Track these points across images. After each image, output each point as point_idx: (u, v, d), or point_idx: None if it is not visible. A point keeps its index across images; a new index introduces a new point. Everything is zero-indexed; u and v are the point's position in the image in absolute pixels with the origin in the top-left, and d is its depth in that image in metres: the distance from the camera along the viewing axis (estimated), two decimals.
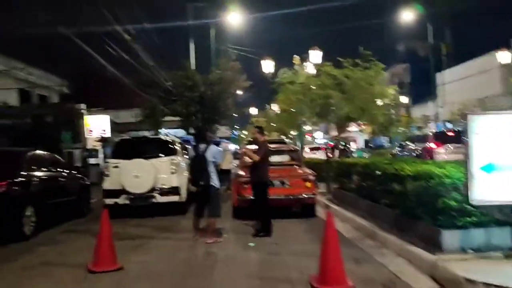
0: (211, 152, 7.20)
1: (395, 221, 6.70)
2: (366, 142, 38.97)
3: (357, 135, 41.45)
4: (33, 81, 28.05)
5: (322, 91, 11.77)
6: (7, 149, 10.76)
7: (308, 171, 9.50)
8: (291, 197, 8.88)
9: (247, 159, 9.02)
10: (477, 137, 4.68)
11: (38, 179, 8.38)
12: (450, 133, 18.02)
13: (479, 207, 4.90)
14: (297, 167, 9.77)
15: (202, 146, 7.28)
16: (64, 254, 6.75)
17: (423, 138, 19.62)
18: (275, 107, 25.92)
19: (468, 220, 5.14)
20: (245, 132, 50.92)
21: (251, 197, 8.19)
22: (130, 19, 17.08)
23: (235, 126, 47.05)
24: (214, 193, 7.16)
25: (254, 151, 7.53)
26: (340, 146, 17.40)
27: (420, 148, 19.23)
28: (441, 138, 17.61)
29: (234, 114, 28.35)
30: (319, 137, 52.49)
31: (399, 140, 26.32)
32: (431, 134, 19.44)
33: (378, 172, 7.69)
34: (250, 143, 9.26)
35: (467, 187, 4.67)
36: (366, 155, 26.27)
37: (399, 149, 23.73)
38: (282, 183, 8.88)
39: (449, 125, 31.11)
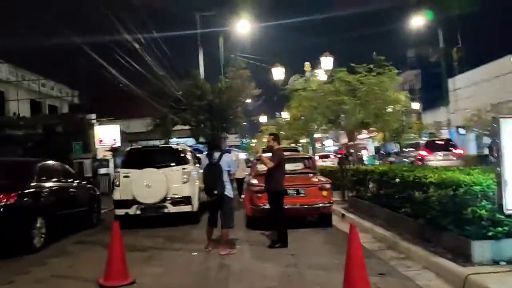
0: (225, 160, 6.98)
1: (417, 231, 6.40)
2: (377, 149, 38.61)
3: (368, 143, 41.06)
4: (44, 92, 28.21)
5: (337, 97, 11.53)
6: (17, 159, 10.67)
7: (324, 179, 9.22)
8: (307, 206, 8.59)
9: (261, 167, 8.80)
10: (509, 142, 4.39)
11: (48, 190, 8.22)
12: (440, 142, 19.71)
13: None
14: (312, 175, 9.50)
15: (216, 154, 7.04)
16: (75, 266, 6.55)
17: (417, 146, 20.96)
18: (285, 115, 25.76)
19: (500, 230, 4.83)
20: (255, 141, 50.76)
21: (266, 207, 7.94)
22: (141, 30, 17.10)
23: (245, 135, 46.91)
24: (228, 203, 6.93)
25: (269, 159, 7.28)
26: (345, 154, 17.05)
27: (413, 155, 20.55)
28: (431, 146, 19.00)
29: (243, 123, 28.22)
30: (329, 145, 52.18)
31: (397, 148, 27.20)
32: (423, 142, 20.73)
33: (397, 180, 7.40)
34: (265, 151, 9.01)
35: (500, 195, 4.38)
36: (377, 162, 26.16)
37: (395, 156, 25.24)
38: (298, 191, 8.60)
39: (462, 131, 30.64)
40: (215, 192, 6.80)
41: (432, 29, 32.03)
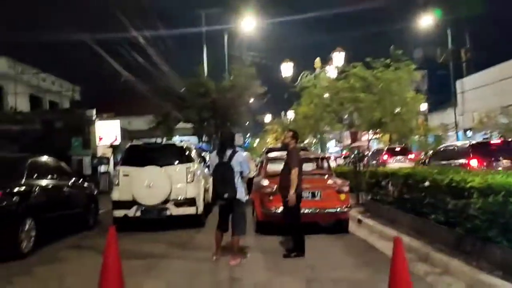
0: (237, 160, 6.16)
1: (453, 241, 5.66)
2: None
3: (372, 144, 40.16)
4: (44, 87, 27.57)
5: (352, 94, 10.77)
6: (5, 155, 9.91)
7: (340, 181, 8.43)
8: (323, 211, 7.82)
9: (272, 166, 8.10)
10: None
11: (39, 189, 7.48)
12: (397, 148, 24.28)
13: None
14: (328, 176, 8.74)
15: (228, 152, 6.21)
16: (65, 276, 5.80)
17: (379, 151, 25.59)
18: (291, 114, 25.04)
19: None
20: (257, 140, 49.96)
21: (278, 210, 7.23)
22: (145, 26, 16.49)
23: (248, 135, 46.09)
24: (240, 208, 6.18)
25: (287, 161, 6.51)
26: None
27: (377, 158, 24.55)
28: (391, 151, 23.95)
29: (247, 122, 27.51)
30: (332, 146, 51.32)
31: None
32: (384, 148, 25.46)
33: (426, 184, 6.66)
34: (272, 150, 8.27)
35: None
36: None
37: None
38: (313, 195, 7.84)
39: (469, 134, 29.88)
40: (225, 195, 6.04)
41: (440, 30, 31.29)
